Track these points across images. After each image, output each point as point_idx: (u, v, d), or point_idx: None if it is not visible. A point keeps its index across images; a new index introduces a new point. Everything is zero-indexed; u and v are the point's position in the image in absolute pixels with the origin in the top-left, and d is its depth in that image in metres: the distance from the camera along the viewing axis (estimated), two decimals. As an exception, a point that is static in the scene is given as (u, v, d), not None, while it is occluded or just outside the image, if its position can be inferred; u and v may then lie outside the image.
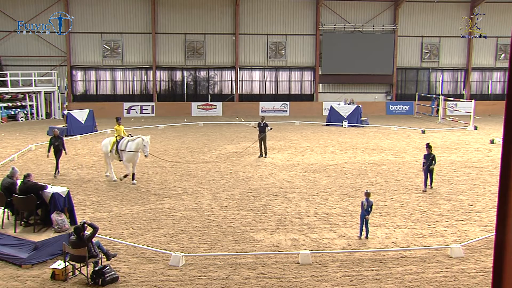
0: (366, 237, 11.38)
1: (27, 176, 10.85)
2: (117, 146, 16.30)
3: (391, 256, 10.44)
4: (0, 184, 11.31)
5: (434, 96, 36.05)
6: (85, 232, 9.31)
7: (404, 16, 38.47)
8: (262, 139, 20.89)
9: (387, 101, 38.99)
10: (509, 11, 38.74)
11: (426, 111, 36.18)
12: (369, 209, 11.38)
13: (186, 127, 30.54)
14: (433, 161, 15.42)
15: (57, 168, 17.11)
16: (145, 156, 16.38)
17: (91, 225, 9.37)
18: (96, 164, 19.26)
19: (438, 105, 33.99)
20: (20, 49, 35.09)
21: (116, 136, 16.74)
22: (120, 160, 16.59)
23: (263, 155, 20.86)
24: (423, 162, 15.67)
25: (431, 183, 15.80)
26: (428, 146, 15.55)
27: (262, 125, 20.85)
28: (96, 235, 10.46)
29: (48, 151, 17.06)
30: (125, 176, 16.42)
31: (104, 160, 17.53)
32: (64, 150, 17.18)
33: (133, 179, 16.33)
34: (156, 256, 10.28)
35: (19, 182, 11.13)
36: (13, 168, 11.69)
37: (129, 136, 16.72)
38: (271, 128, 21.36)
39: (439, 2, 38.14)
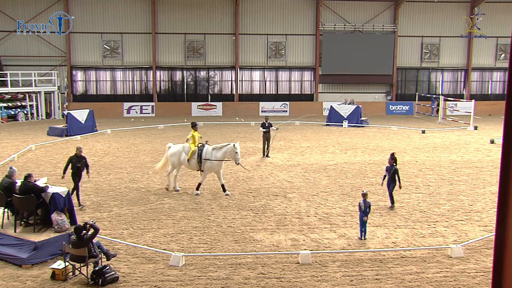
0: (364, 238, 11.36)
1: (28, 176, 10.84)
2: (200, 155, 14.97)
3: (391, 256, 10.44)
4: (0, 184, 11.31)
5: (434, 96, 36.05)
6: (88, 232, 9.32)
7: (404, 16, 38.47)
8: (267, 139, 20.90)
9: (387, 101, 38.99)
10: (509, 11, 38.74)
11: (426, 111, 36.19)
12: (367, 210, 11.37)
13: (186, 127, 30.48)
14: (395, 175, 13.31)
15: (78, 194, 13.81)
16: (237, 163, 15.13)
17: (92, 226, 9.36)
18: (96, 164, 19.26)
19: (438, 105, 33.99)
20: (20, 49, 35.09)
21: (195, 144, 15.22)
22: (198, 170, 15.26)
23: (265, 155, 20.87)
24: (384, 175, 13.76)
25: (391, 203, 13.75)
26: (392, 157, 13.58)
27: (266, 125, 20.86)
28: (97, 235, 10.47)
29: (64, 172, 13.80)
30: (199, 185, 15.25)
31: (169, 171, 15.61)
32: (88, 172, 14.00)
33: (224, 190, 15.10)
34: (156, 256, 10.28)
35: (18, 182, 11.13)
36: (11, 168, 11.69)
37: (206, 143, 15.42)
38: (277, 128, 21.29)
39: (439, 2, 38.14)
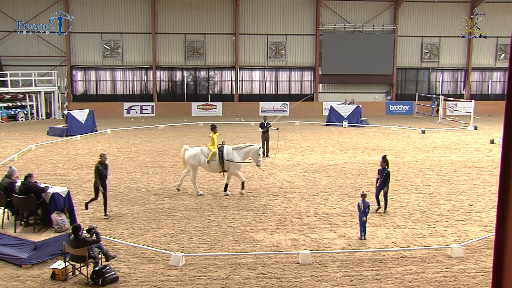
0: (364, 238, 11.36)
1: (28, 176, 10.83)
2: (221, 156, 14.81)
3: (391, 256, 10.44)
4: (0, 184, 11.31)
5: (434, 96, 36.07)
6: (92, 236, 9.33)
7: (404, 16, 38.47)
8: (266, 139, 20.91)
9: (387, 101, 39.00)
10: (509, 11, 38.75)
11: (426, 111, 36.19)
12: (366, 210, 11.37)
13: (186, 127, 30.54)
14: (387, 179, 12.93)
15: (105, 204, 12.92)
16: (258, 165, 15.27)
17: (97, 234, 9.34)
18: (96, 164, 19.24)
19: (438, 105, 34.00)
20: (20, 49, 35.09)
21: (214, 146, 15.02)
22: (221, 171, 15.12)
23: (265, 155, 20.88)
24: (376, 179, 13.34)
25: (385, 207, 13.31)
26: (384, 160, 13.07)
27: (265, 125, 20.86)
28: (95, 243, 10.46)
29: (98, 183, 12.66)
30: (226, 186, 15.15)
31: (184, 173, 15.34)
32: (106, 177, 12.96)
33: (225, 189, 15.10)
34: (156, 256, 10.28)
35: (19, 182, 11.13)
36: (10, 168, 11.68)
37: (223, 144, 15.24)
38: (277, 128, 21.31)
39: (439, 2, 38.15)
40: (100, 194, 12.78)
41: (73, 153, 21.60)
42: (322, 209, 13.64)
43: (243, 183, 15.14)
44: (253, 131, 27.80)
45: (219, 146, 15.04)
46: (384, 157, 13.22)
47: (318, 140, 25.46)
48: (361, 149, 22.73)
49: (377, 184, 13.24)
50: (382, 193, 13.21)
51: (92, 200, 12.98)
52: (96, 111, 28.88)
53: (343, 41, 37.66)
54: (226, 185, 15.14)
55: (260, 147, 15.21)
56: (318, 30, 37.60)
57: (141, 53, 36.72)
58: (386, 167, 12.98)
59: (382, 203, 13.32)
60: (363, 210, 11.34)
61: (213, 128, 15.59)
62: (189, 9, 36.55)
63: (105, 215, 12.83)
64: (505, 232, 3.19)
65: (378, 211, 13.22)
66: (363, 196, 11.50)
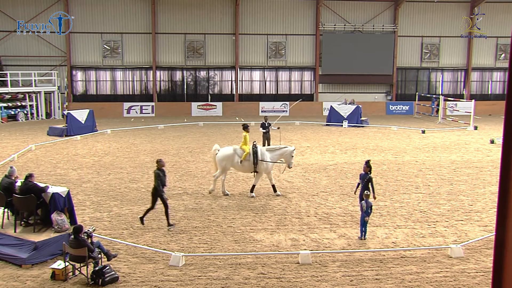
0: (364, 238, 11.36)
1: (29, 176, 10.82)
2: (255, 156, 14.64)
3: (391, 256, 10.44)
4: (0, 184, 11.31)
5: (434, 96, 36.07)
6: (92, 239, 9.35)
7: (404, 16, 38.47)
8: (267, 139, 20.92)
9: (387, 101, 38.99)
10: (509, 11, 38.74)
11: (426, 111, 36.19)
12: (368, 210, 11.36)
13: (186, 127, 30.54)
14: (369, 184, 11.95)
15: (167, 213, 12.05)
16: (289, 167, 15.27)
17: (92, 242, 9.36)
18: (96, 164, 19.26)
19: (438, 105, 34.00)
20: (20, 49, 35.09)
21: (246, 145, 14.89)
22: (253, 172, 14.91)
23: None
24: (357, 183, 12.42)
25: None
26: (368, 165, 12.23)
27: (266, 125, 20.88)
28: (97, 235, 10.49)
29: (161, 191, 11.86)
30: (253, 188, 14.97)
31: (217, 175, 14.98)
32: (165, 184, 12.31)
33: (275, 190, 14.93)
34: (156, 256, 10.28)
35: (19, 181, 11.12)
36: (11, 167, 11.67)
37: (256, 144, 15.11)
38: (278, 128, 21.37)
39: (439, 2, 38.15)
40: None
41: (73, 153, 21.60)
42: (322, 209, 13.64)
43: (273, 186, 15.07)
44: (254, 131, 27.76)
45: (252, 146, 14.94)
46: (367, 162, 12.49)
47: (318, 140, 25.45)
48: (361, 149, 22.73)
49: (356, 189, 12.42)
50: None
51: (148, 210, 12.06)
52: (96, 111, 28.87)
53: (343, 41, 37.65)
54: (253, 186, 14.98)
55: (294, 149, 15.18)
56: (318, 30, 37.61)
57: (141, 53, 36.71)
58: (369, 172, 12.12)
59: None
60: (366, 210, 11.33)
61: (245, 128, 15.47)
62: (189, 9, 36.55)
63: (169, 225, 11.88)
64: (505, 232, 3.19)
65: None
66: (366, 196, 11.49)
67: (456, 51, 39.51)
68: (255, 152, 14.69)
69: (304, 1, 37.52)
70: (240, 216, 13.04)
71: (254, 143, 15.14)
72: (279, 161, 15.20)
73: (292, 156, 14.94)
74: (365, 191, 11.69)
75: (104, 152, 21.91)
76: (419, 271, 9.69)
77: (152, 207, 12.06)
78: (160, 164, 12.12)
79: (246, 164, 14.73)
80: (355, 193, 12.83)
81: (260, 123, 21.58)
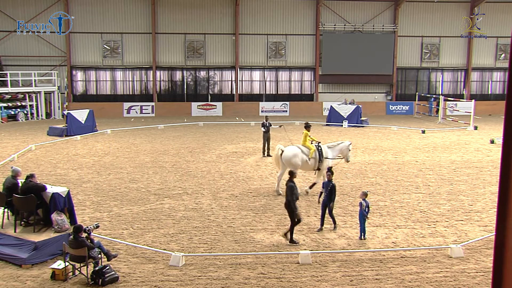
0: (364, 238, 11.35)
1: (30, 176, 10.82)
2: (320, 154, 14.91)
3: (391, 256, 10.44)
4: (3, 184, 11.30)
5: (434, 96, 36.05)
6: (90, 237, 9.35)
7: (404, 16, 38.47)
8: (267, 139, 20.93)
9: (387, 101, 38.99)
10: (509, 11, 38.74)
11: (426, 111, 36.22)
12: (366, 210, 11.36)
13: (186, 127, 30.54)
14: (332, 194, 11.52)
15: (293, 229, 11.21)
16: (347, 161, 15.71)
17: (91, 240, 9.35)
18: (96, 164, 19.26)
19: (438, 104, 33.99)
20: (20, 49, 35.09)
21: (307, 143, 15.19)
22: (315, 169, 15.08)
23: (266, 154, 20.90)
24: (320, 192, 12.13)
25: (334, 222, 11.94)
26: (331, 172, 12.07)
27: (267, 124, 20.89)
28: (96, 235, 10.49)
29: (294, 206, 10.97)
30: (313, 185, 15.12)
31: (280, 174, 15.02)
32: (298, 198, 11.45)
33: (311, 187, 15.13)
34: (156, 256, 10.28)
35: (19, 181, 11.11)
36: (16, 168, 11.61)
37: (318, 142, 15.36)
38: (280, 126, 21.35)
39: (439, 2, 38.14)
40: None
41: (73, 153, 21.60)
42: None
43: (314, 184, 15.20)
44: (253, 131, 27.81)
45: (316, 144, 15.19)
46: (329, 169, 12.29)
47: (318, 140, 25.41)
48: (361, 149, 22.72)
49: (320, 199, 11.94)
50: (327, 210, 11.82)
51: (295, 224, 11.08)
52: (96, 111, 28.87)
53: (343, 41, 37.65)
54: (314, 184, 15.11)
55: (350, 143, 15.59)
56: (318, 30, 37.60)
57: (141, 53, 36.72)
58: (331, 180, 11.77)
59: (330, 220, 11.97)
60: (364, 209, 11.34)
61: (307, 127, 15.77)
62: (189, 9, 36.55)
63: (291, 241, 11.03)
64: (505, 232, 3.19)
65: (319, 231, 11.76)
66: (365, 195, 11.50)
67: (456, 51, 39.51)
68: (320, 150, 15.00)
69: (304, 1, 37.51)
70: (240, 216, 13.04)
71: (317, 141, 15.41)
72: (337, 157, 15.50)
73: (350, 150, 15.36)
74: (366, 191, 11.74)
75: (104, 152, 21.91)
76: (419, 271, 9.69)
77: (292, 223, 11.06)
78: (294, 175, 11.48)
79: (312, 161, 15.00)
80: (318, 202, 12.45)
81: (261, 123, 21.60)
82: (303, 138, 15.47)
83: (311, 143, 15.35)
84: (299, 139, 25.39)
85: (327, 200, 11.69)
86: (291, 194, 10.90)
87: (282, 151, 15.03)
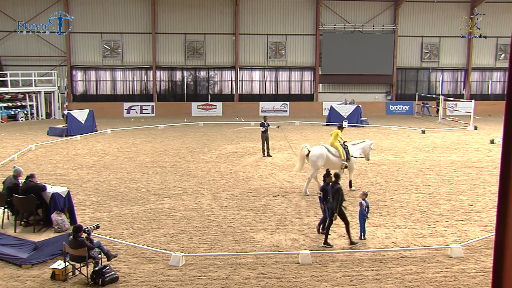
0: (364, 238, 11.35)
1: (30, 176, 10.81)
2: (347, 153, 15.15)
3: (391, 256, 10.44)
4: (3, 184, 11.30)
5: (434, 96, 36.05)
6: (90, 237, 9.35)
7: (404, 16, 38.47)
8: (266, 138, 20.94)
9: (387, 101, 39.00)
10: (509, 11, 38.74)
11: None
12: (366, 210, 11.36)
13: (186, 127, 30.54)
14: (335, 196, 10.78)
15: (328, 231, 11.16)
16: (368, 159, 16.28)
17: (91, 240, 9.36)
18: (96, 164, 19.26)
19: (438, 104, 33.99)
20: (20, 49, 35.09)
21: (335, 142, 15.32)
22: (343, 168, 15.11)
23: (266, 154, 20.91)
24: (319, 197, 11.74)
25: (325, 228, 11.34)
26: (327, 175, 11.52)
27: (265, 124, 20.90)
28: (96, 235, 10.49)
29: (337, 207, 10.90)
30: (350, 182, 15.53)
31: (313, 174, 15.07)
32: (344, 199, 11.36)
33: (350, 186, 15.48)
34: (156, 256, 10.28)
35: (20, 181, 11.10)
36: (18, 168, 11.60)
37: (345, 141, 15.55)
38: (278, 126, 21.36)
39: (439, 2, 38.15)
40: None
41: (73, 153, 21.60)
42: (322, 209, 13.61)
43: (350, 181, 15.66)
44: (253, 131, 27.80)
45: (342, 143, 15.39)
46: (327, 171, 11.86)
47: (318, 140, 25.42)
48: (361, 149, 22.70)
49: (321, 204, 11.47)
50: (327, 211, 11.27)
51: (348, 227, 10.99)
52: (96, 111, 28.87)
53: (343, 41, 37.66)
54: (350, 182, 15.59)
55: (372, 142, 16.00)
56: (318, 30, 37.60)
57: (141, 53, 36.72)
58: (330, 182, 11.26)
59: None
60: (364, 209, 11.34)
61: (340, 127, 15.98)
62: (189, 9, 36.55)
63: (326, 243, 10.88)
64: (505, 232, 3.19)
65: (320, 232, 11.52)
66: (365, 195, 11.50)
67: (456, 51, 39.51)
68: (347, 149, 15.26)
69: (304, 1, 37.51)
70: (240, 216, 13.04)
71: (344, 141, 15.57)
72: (359, 156, 15.78)
73: (371, 149, 15.87)
74: (364, 191, 11.74)
75: (104, 152, 21.91)
76: (419, 271, 9.69)
77: (347, 224, 11.02)
78: (338, 178, 11.19)
79: (337, 160, 15.21)
80: (321, 208, 11.94)
81: (260, 123, 21.61)
82: (332, 138, 15.52)
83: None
84: (298, 139, 25.47)
85: (333, 204, 10.89)
86: (337, 198, 10.76)
87: (309, 150, 15.15)
